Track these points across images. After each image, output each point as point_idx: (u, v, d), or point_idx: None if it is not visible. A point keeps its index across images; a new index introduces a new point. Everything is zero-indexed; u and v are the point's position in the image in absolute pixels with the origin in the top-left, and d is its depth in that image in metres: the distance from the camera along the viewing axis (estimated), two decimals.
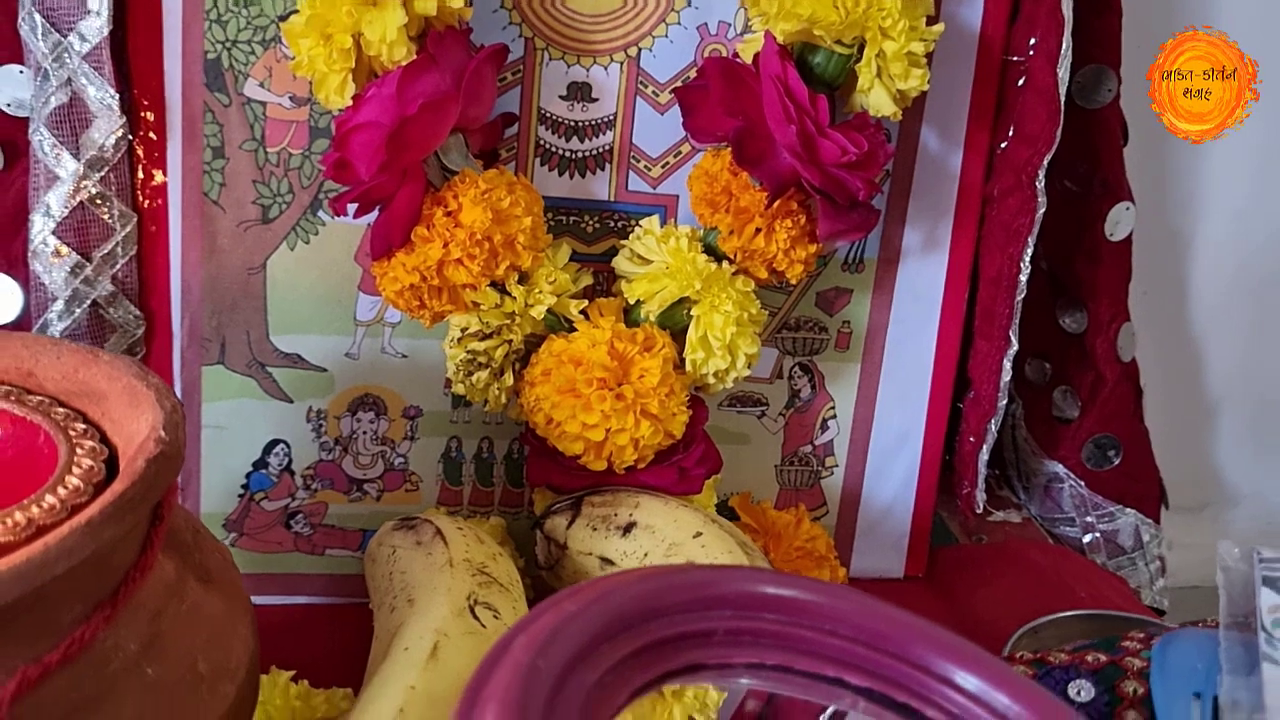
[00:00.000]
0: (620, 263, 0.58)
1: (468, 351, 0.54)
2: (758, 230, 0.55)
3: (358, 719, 0.41)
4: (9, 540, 0.35)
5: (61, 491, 0.37)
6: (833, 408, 0.65)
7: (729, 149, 0.55)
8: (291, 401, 0.60)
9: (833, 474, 0.67)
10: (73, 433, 0.40)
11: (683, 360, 0.56)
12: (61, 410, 0.42)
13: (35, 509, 0.36)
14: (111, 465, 0.40)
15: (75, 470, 0.38)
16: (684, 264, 0.55)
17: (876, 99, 0.54)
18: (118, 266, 0.56)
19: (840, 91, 0.55)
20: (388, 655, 0.44)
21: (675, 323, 0.56)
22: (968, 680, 0.35)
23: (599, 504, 0.55)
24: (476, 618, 0.45)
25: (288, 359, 0.59)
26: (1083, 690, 0.40)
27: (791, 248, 0.55)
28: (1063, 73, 0.59)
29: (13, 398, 0.42)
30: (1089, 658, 0.42)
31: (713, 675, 0.36)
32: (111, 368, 0.42)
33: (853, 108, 0.55)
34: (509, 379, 0.55)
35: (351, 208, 0.52)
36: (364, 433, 0.61)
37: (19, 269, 0.56)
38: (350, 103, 0.51)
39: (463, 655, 0.43)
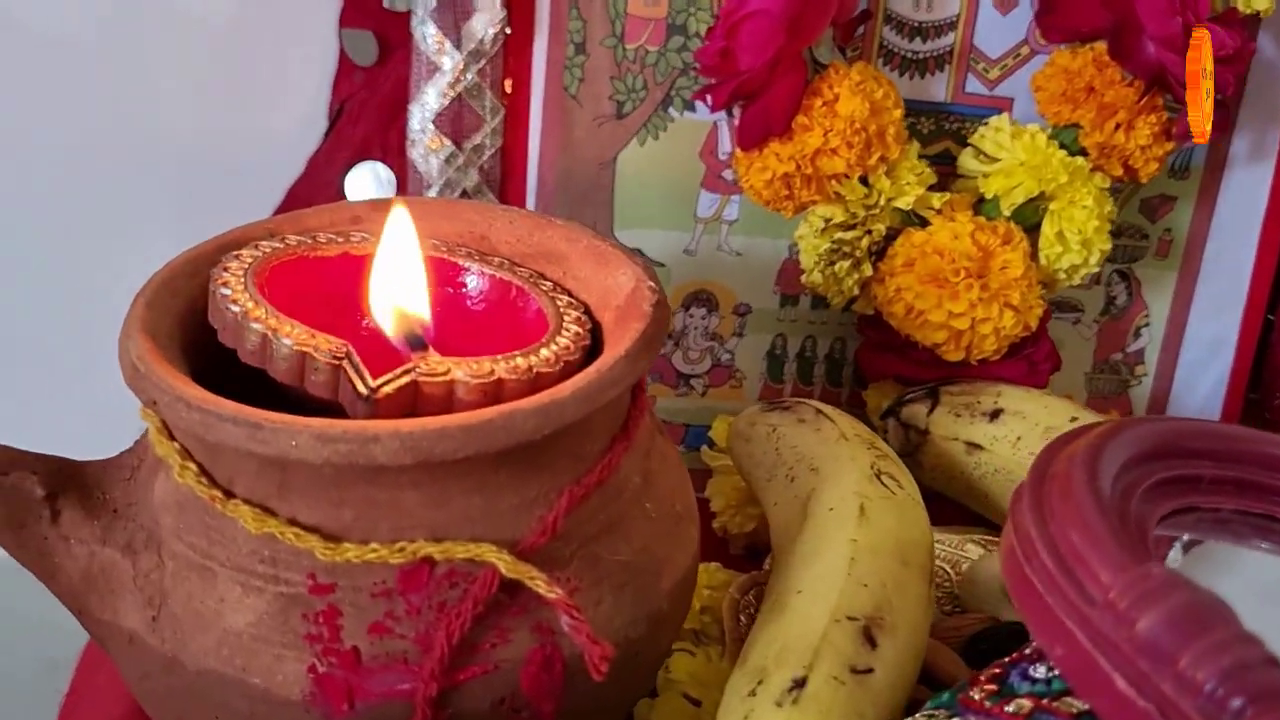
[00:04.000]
0: (966, 160, 0.59)
1: (833, 241, 0.56)
2: (1118, 126, 0.55)
3: (808, 567, 0.43)
4: (545, 370, 0.37)
5: (567, 335, 0.39)
6: (1147, 316, 0.66)
7: (1087, 47, 0.56)
8: None
9: (1141, 383, 0.67)
10: (543, 287, 0.43)
11: (1034, 255, 0.57)
12: (522, 270, 0.44)
13: (554, 346, 0.38)
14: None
15: (568, 319, 0.41)
16: (1043, 160, 0.56)
17: None
18: (484, 158, 0.59)
19: None
20: (808, 515, 0.46)
21: (1024, 219, 0.57)
22: None
23: (957, 393, 0.56)
24: (884, 485, 0.47)
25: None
26: None
27: (1150, 144, 0.56)
28: None
29: (476, 258, 0.44)
30: None
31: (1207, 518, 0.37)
32: (568, 230, 0.45)
33: (1216, 7, 0.55)
34: (867, 269, 0.57)
35: (709, 103, 0.54)
36: (695, 328, 0.63)
37: (393, 157, 0.59)
38: None
39: (886, 515, 0.45)
